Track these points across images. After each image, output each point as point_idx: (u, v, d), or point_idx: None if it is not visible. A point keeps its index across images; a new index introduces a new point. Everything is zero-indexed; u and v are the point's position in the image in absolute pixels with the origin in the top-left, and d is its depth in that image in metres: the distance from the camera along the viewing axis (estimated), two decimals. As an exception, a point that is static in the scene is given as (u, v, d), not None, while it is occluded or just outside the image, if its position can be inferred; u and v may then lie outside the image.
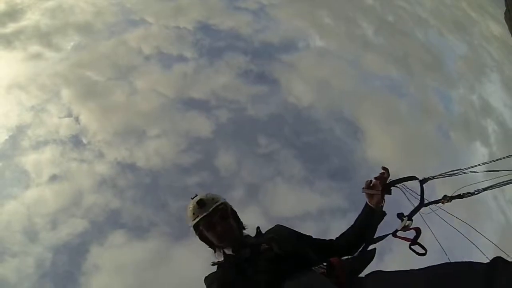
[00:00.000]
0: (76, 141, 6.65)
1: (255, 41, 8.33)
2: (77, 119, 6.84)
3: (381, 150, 7.79)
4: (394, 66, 9.73)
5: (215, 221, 1.49)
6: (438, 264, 1.19)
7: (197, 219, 1.49)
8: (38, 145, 6.54)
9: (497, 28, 12.62)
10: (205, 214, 1.48)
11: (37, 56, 7.31)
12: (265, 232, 1.58)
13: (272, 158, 6.82)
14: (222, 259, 1.48)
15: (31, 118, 6.75)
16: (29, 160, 6.45)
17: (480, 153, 8.77)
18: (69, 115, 6.88)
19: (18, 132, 6.61)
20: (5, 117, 6.78)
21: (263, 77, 7.88)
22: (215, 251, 1.54)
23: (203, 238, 1.54)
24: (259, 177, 6.69)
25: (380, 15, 10.97)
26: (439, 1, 13.11)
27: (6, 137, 6.56)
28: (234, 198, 6.44)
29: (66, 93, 7.03)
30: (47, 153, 6.48)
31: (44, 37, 7.42)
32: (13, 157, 6.48)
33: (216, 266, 1.49)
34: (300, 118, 7.48)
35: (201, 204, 1.50)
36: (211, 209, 1.49)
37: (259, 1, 9.12)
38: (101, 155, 6.53)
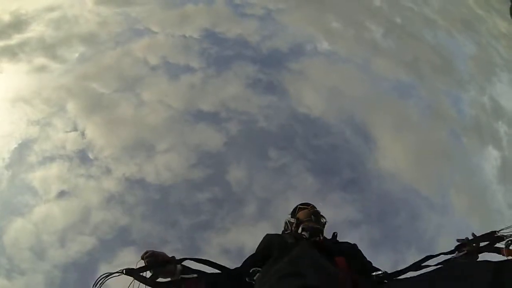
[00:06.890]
0: (82, 156, 6.49)
1: (263, 48, 8.17)
2: (83, 134, 6.70)
3: (393, 159, 7.61)
4: (404, 69, 9.53)
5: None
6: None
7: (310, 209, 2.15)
8: (45, 161, 6.42)
9: (504, 24, 12.39)
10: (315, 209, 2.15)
11: (42, 68, 7.20)
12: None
13: (283, 171, 6.65)
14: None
15: (37, 132, 6.64)
16: (36, 176, 6.34)
17: (493, 157, 8.58)
18: (75, 129, 6.74)
19: (25, 147, 6.50)
20: (11, 131, 6.68)
21: (273, 86, 7.71)
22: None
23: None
24: (271, 191, 6.52)
25: (388, 17, 10.75)
26: (446, 0, 12.88)
27: (13, 153, 6.47)
28: (246, 213, 6.31)
29: (71, 106, 6.90)
30: (54, 169, 6.35)
31: (49, 48, 7.32)
32: (20, 174, 6.37)
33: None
34: (311, 128, 7.31)
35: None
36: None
37: (265, 7, 8.97)
38: (108, 171, 6.38)
